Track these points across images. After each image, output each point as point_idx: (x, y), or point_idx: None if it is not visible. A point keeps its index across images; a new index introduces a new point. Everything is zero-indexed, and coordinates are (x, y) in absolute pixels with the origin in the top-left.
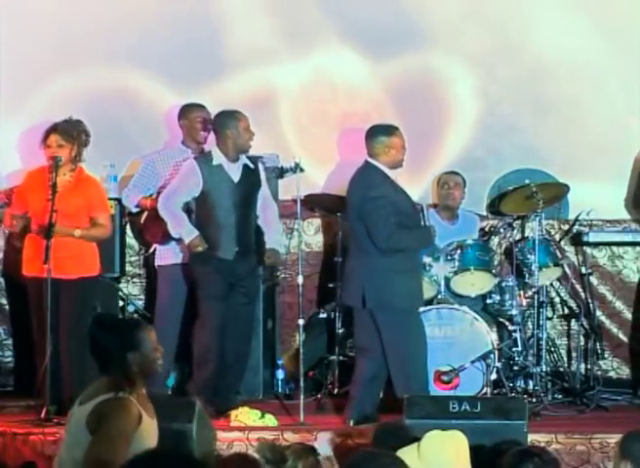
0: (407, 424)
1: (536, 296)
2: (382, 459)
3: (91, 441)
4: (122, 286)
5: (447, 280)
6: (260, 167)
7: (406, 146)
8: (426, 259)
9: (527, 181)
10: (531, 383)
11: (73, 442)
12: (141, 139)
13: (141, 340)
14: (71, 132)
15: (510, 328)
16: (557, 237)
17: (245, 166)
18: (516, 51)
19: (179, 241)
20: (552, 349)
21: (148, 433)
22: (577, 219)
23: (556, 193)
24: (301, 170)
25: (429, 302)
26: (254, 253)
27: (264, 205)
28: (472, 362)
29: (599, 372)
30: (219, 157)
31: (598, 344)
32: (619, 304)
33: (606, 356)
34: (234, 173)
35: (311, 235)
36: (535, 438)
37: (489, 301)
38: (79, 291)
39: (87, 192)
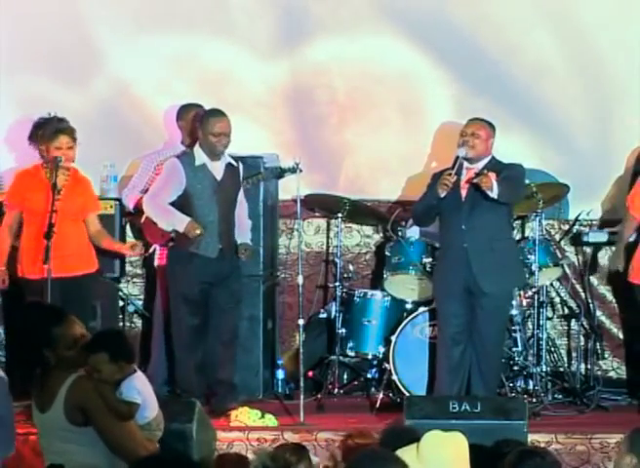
0: (411, 426)
1: (536, 296)
2: (384, 460)
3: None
4: (122, 286)
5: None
6: (241, 166)
7: (461, 140)
8: (427, 259)
9: (527, 181)
10: (531, 383)
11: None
12: (142, 139)
13: (58, 336)
14: (75, 133)
15: (510, 328)
16: (557, 237)
17: (228, 165)
18: (515, 50)
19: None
20: (552, 349)
21: None
22: (577, 219)
23: (556, 193)
24: (301, 170)
25: (430, 302)
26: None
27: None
28: None
29: (599, 372)
30: (201, 156)
31: (598, 344)
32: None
33: (606, 356)
34: (217, 171)
35: (311, 235)
36: (535, 438)
37: None
38: (83, 287)
39: (85, 192)
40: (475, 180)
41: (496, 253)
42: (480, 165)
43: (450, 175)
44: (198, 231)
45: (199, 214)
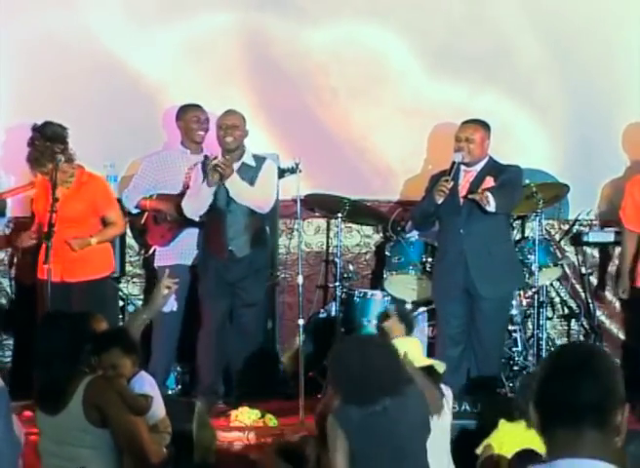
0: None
1: (536, 296)
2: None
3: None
4: (122, 286)
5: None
6: (267, 164)
7: (456, 145)
8: (427, 259)
9: (527, 181)
10: None
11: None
12: (142, 140)
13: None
14: (41, 158)
15: (510, 328)
16: (557, 237)
17: (244, 165)
18: (515, 50)
19: (179, 241)
20: (552, 349)
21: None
22: (577, 219)
23: (556, 193)
24: (300, 170)
25: (430, 302)
26: (258, 253)
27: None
28: None
29: None
30: (218, 157)
31: (598, 344)
32: (618, 304)
33: None
34: None
35: (311, 235)
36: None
37: None
38: (90, 293)
39: (90, 194)
40: (471, 197)
41: (494, 257)
42: (477, 167)
43: (446, 180)
44: (214, 161)
45: (210, 216)
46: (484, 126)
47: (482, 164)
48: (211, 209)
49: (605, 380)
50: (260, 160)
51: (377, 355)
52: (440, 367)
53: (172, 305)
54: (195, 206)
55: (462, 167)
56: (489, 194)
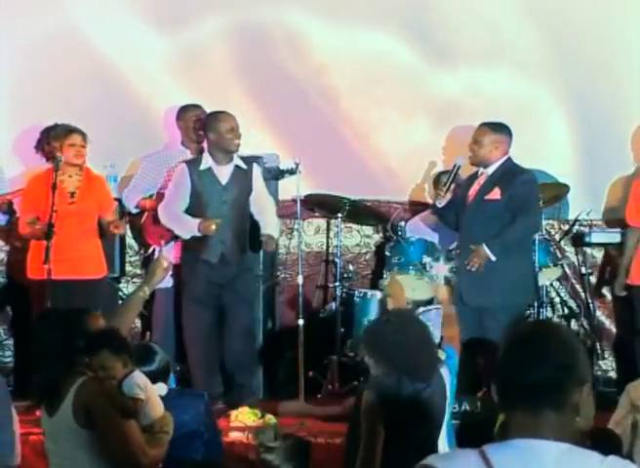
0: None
1: (536, 296)
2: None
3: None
4: (122, 286)
5: (447, 280)
6: (256, 167)
7: (471, 142)
8: (426, 259)
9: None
10: None
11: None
12: (142, 140)
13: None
14: (86, 136)
15: None
16: (557, 237)
17: (236, 167)
18: (516, 50)
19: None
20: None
21: None
22: (577, 219)
23: (556, 193)
24: (300, 171)
25: (429, 302)
26: (247, 254)
27: (256, 200)
28: None
29: (599, 372)
30: (207, 160)
31: (598, 344)
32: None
33: (606, 356)
34: (223, 175)
35: (311, 235)
36: None
37: None
38: (96, 291)
39: (98, 191)
40: (468, 265)
41: (489, 268)
42: (490, 170)
43: (445, 184)
44: (213, 226)
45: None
46: (495, 129)
47: (495, 166)
48: (208, 212)
49: (558, 357)
50: (247, 162)
51: (426, 331)
52: (442, 354)
53: (168, 282)
54: (179, 233)
55: (480, 168)
56: (484, 248)
